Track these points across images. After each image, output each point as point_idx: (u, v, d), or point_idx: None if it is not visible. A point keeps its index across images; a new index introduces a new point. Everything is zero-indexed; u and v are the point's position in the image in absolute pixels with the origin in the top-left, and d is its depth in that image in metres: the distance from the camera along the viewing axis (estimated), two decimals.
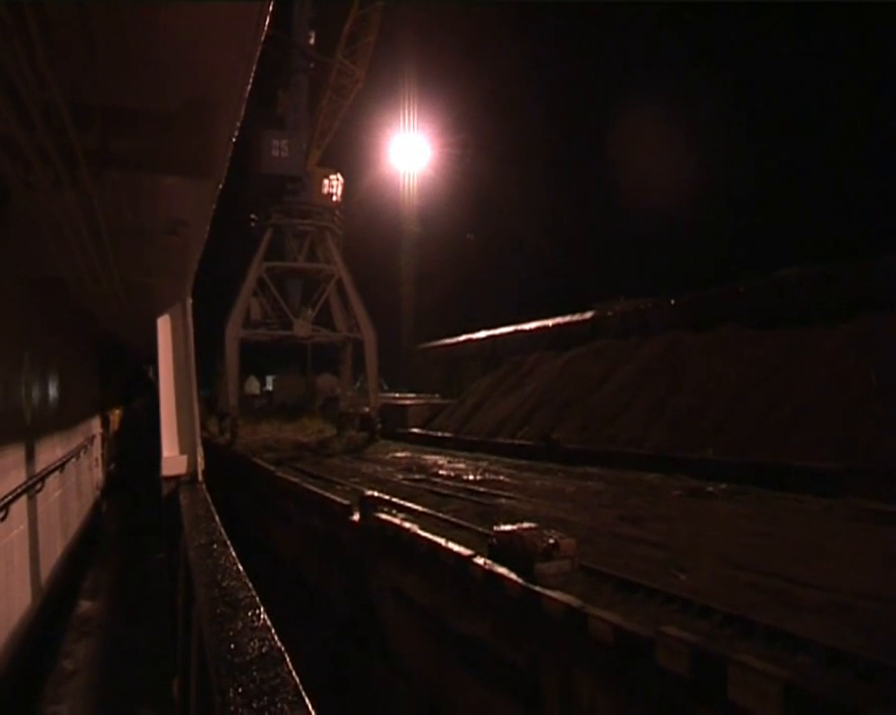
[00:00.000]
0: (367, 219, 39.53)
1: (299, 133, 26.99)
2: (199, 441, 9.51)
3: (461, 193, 46.38)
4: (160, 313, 9.77)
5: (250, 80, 4.39)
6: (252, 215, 28.29)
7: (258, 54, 4.09)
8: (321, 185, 27.80)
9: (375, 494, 10.39)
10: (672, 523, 8.89)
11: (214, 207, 7.55)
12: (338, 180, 28.28)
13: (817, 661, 4.36)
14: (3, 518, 7.20)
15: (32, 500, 9.00)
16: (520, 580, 6.35)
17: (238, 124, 5.10)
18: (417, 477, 14.37)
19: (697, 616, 5.42)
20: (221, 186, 6.64)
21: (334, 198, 28.16)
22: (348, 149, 31.64)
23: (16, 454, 8.37)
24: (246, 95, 4.60)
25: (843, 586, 5.86)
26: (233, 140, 5.47)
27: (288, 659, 2.37)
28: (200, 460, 9.37)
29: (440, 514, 9.75)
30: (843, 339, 13.73)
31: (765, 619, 5.05)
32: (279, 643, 2.55)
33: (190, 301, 9.84)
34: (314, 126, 27.44)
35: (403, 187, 42.80)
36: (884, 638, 4.60)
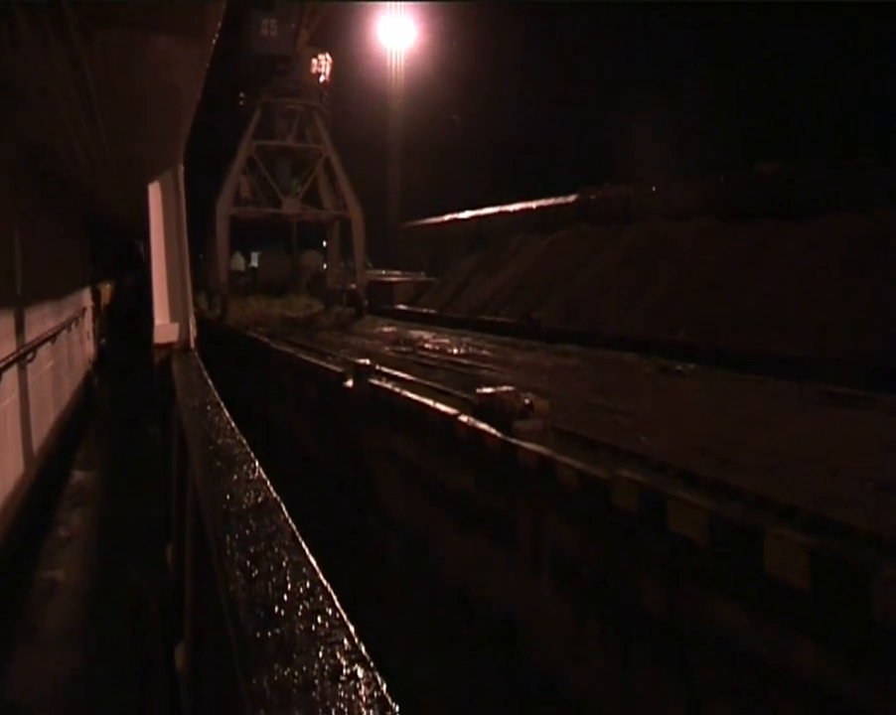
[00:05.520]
0: (355, 100, 38.81)
1: (288, 13, 26.16)
2: (191, 309, 9.47)
3: (448, 72, 45.16)
4: (151, 180, 9.56)
5: None
6: (242, 95, 27.84)
7: None
8: (310, 65, 27.32)
9: (368, 362, 10.91)
10: (639, 396, 9.51)
11: (206, 66, 7.42)
12: (326, 60, 27.79)
13: (746, 505, 5.16)
14: None
15: (23, 369, 9.06)
16: (499, 434, 7.01)
17: None
18: (404, 350, 14.97)
19: (653, 470, 6.09)
20: (213, 43, 6.57)
21: (322, 78, 27.78)
22: (337, 31, 30.75)
23: (6, 323, 8.38)
24: None
25: (783, 453, 6.47)
26: None
27: (284, 508, 2.43)
28: (192, 328, 9.41)
29: (427, 383, 10.32)
30: (812, 234, 14.05)
31: (708, 474, 5.77)
32: (275, 494, 2.60)
33: (181, 168, 9.62)
34: (303, 6, 26.44)
35: (391, 67, 42.33)
36: (807, 490, 5.39)
